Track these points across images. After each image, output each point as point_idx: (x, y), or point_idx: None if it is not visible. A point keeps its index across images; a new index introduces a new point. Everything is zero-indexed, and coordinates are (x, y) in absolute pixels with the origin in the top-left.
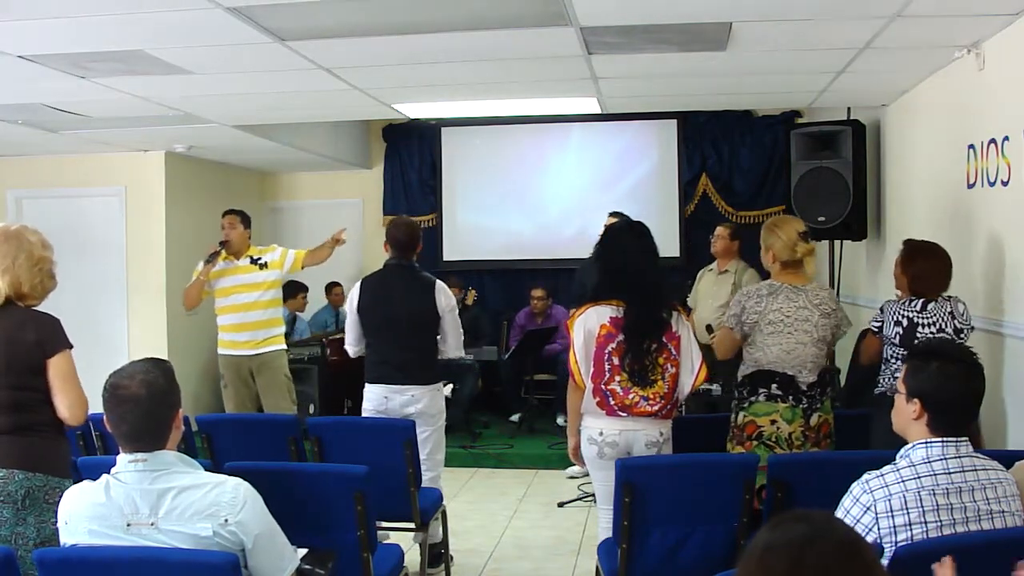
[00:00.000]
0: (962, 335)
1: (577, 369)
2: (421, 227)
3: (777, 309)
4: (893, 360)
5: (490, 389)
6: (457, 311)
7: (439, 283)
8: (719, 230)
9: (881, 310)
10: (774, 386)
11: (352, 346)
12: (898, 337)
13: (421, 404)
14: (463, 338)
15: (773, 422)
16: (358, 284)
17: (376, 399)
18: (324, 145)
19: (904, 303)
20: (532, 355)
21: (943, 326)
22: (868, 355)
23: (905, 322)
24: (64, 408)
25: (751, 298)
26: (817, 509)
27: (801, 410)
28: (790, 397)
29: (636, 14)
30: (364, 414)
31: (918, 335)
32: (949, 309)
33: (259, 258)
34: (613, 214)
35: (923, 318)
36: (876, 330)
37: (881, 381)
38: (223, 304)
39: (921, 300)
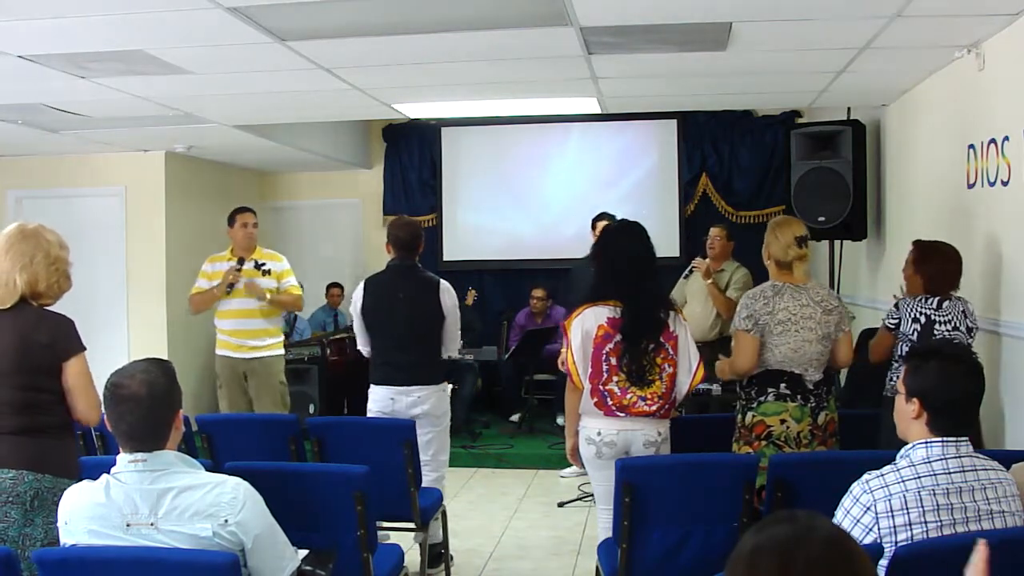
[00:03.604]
0: (973, 333)
1: (575, 369)
2: (422, 226)
3: (784, 308)
4: None
5: (490, 389)
6: (459, 310)
7: (443, 283)
8: (715, 231)
9: (896, 307)
10: (783, 385)
11: (365, 347)
12: (916, 334)
13: (427, 405)
14: (462, 337)
15: (783, 421)
16: (361, 285)
17: (382, 401)
18: (324, 145)
19: (920, 300)
20: (532, 355)
21: (958, 324)
22: (879, 352)
23: (923, 319)
24: (82, 411)
25: (758, 300)
26: (808, 509)
27: (809, 409)
28: (798, 396)
29: (636, 14)
30: (369, 415)
31: (935, 333)
32: (962, 308)
33: (263, 263)
34: (602, 216)
35: (939, 315)
36: (892, 327)
37: (892, 378)
38: (223, 308)
39: (936, 298)
